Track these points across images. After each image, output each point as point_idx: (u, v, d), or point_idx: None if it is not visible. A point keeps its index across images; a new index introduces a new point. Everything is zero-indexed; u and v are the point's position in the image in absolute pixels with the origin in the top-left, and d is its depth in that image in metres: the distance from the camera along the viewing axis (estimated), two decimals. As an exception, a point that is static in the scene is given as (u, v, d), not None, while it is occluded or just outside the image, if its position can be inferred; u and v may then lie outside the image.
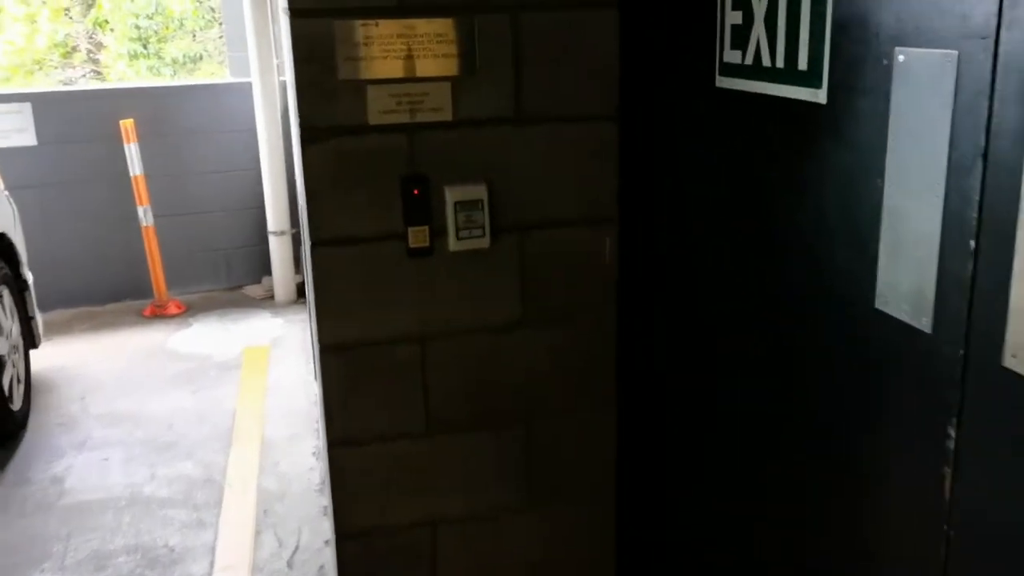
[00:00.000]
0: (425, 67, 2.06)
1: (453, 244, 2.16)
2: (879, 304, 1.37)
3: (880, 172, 1.34)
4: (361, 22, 2.01)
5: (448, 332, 2.24)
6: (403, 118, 2.08)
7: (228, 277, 6.33)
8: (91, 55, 15.37)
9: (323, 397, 2.24)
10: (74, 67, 15.30)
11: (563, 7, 2.12)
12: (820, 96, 1.47)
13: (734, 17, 1.72)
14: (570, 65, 2.15)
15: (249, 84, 5.89)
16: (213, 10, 13.58)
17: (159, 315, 5.84)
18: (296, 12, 2.01)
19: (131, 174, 5.76)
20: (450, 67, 2.08)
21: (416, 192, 2.13)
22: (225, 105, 6.08)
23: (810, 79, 1.49)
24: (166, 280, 5.96)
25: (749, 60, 1.68)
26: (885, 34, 1.31)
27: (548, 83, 2.15)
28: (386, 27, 2.03)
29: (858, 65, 1.38)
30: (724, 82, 1.78)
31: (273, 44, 5.74)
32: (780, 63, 1.58)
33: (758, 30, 1.64)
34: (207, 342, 5.38)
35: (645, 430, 2.34)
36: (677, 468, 2.20)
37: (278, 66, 5.77)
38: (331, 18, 2.01)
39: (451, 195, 2.13)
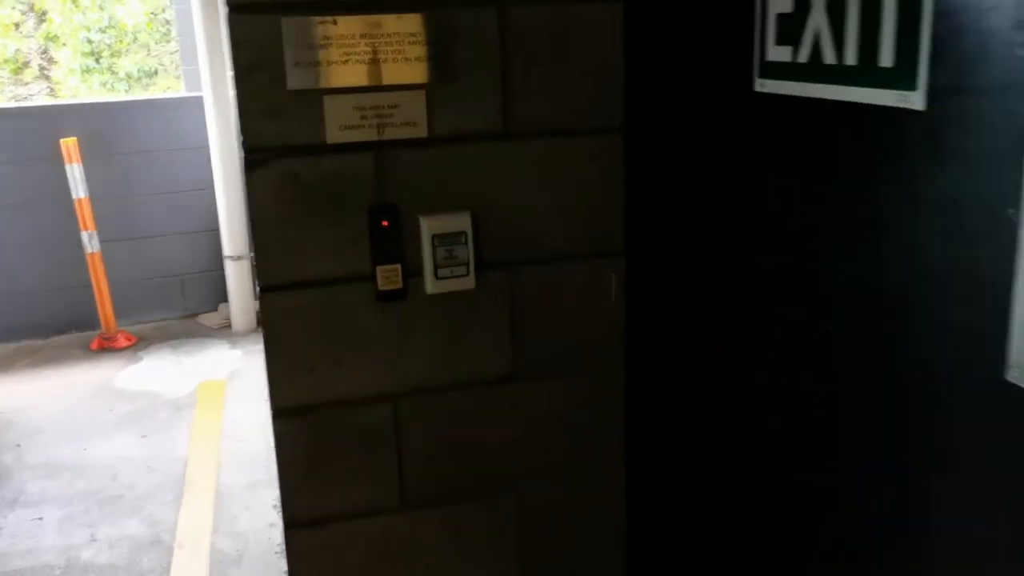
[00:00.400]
0: (395, 73, 1.71)
1: (431, 285, 1.80)
2: (1012, 376, 1.02)
3: (1013, 200, 1.00)
4: (316, 19, 1.65)
5: (426, 388, 1.88)
6: (368, 135, 1.72)
7: (182, 305, 5.91)
8: (44, 71, 14.87)
9: (279, 470, 1.86)
10: (26, 83, 14.79)
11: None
12: (915, 100, 1.13)
13: (781, 4, 1.38)
14: (568, 68, 1.80)
15: (201, 98, 5.49)
16: (168, 23, 13.13)
17: (107, 348, 5.42)
18: (236, 7, 1.64)
19: (74, 197, 5.34)
20: (425, 72, 1.72)
21: (386, 224, 1.77)
22: (176, 121, 5.68)
23: (898, 79, 1.15)
24: (115, 310, 5.54)
25: (804, 57, 1.33)
26: (1020, 15, 0.97)
27: (542, 90, 1.80)
28: (346, 25, 1.67)
29: (975, 58, 1.04)
30: (767, 85, 1.44)
31: (226, 54, 5.35)
32: (851, 59, 1.24)
33: (817, 19, 1.29)
34: (158, 378, 4.97)
35: (662, 504, 1.98)
36: (704, 556, 1.84)
37: (232, 78, 5.38)
38: (279, 14, 1.65)
39: (428, 227, 1.77)
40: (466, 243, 1.79)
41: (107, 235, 5.49)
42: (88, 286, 5.47)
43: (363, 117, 1.71)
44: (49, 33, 13.79)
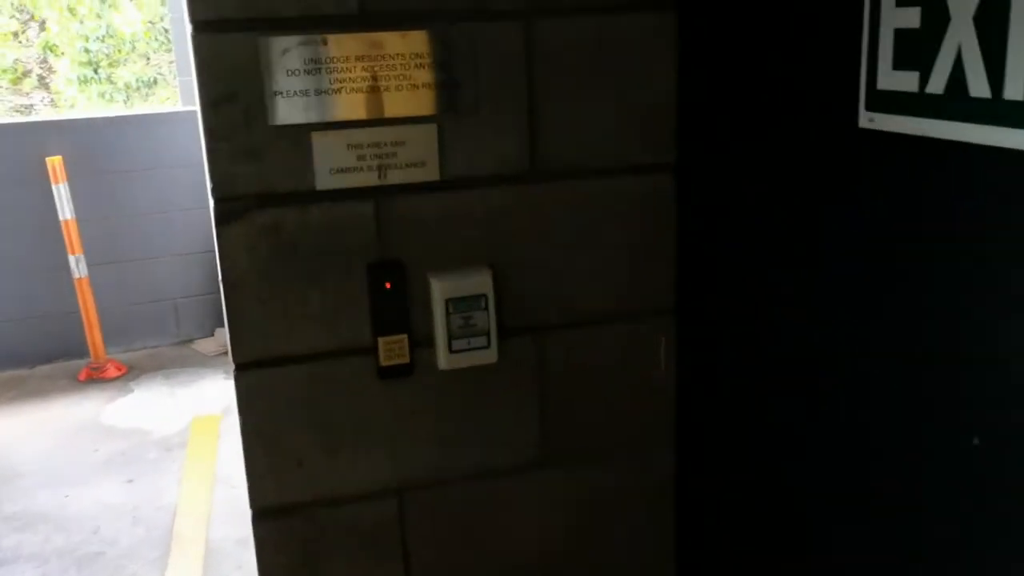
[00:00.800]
0: (398, 103, 1.39)
1: (444, 360, 1.47)
2: None
3: None
4: (301, 39, 1.34)
5: (437, 480, 1.56)
6: (367, 179, 1.41)
7: (176, 330, 5.60)
8: (43, 81, 14.60)
9: (260, 582, 1.54)
10: (27, 93, 14.52)
11: (597, 11, 1.45)
12: None
13: (902, 17, 1.05)
14: (608, 95, 1.48)
15: (196, 112, 5.17)
16: (167, 31, 12.83)
17: (96, 379, 5.10)
18: (203, 25, 1.33)
19: (60, 219, 5.03)
20: (435, 102, 1.41)
21: (389, 286, 1.45)
22: (168, 137, 5.36)
23: (1098, 123, 0.83)
24: (105, 337, 5.22)
25: (936, 87, 1.01)
26: None
27: (577, 122, 1.48)
28: (339, 45, 1.35)
29: None
30: (877, 120, 1.11)
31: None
32: (1016, 93, 0.91)
33: (960, 36, 0.97)
34: (149, 412, 4.65)
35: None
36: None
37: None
38: (257, 33, 1.33)
39: (440, 289, 1.45)
40: (486, 308, 1.47)
41: (96, 258, 5.18)
42: (76, 313, 5.16)
43: (360, 157, 1.40)
44: (48, 42, 13.51)
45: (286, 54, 1.34)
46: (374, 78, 1.37)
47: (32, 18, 13.95)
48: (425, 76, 1.40)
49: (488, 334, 1.48)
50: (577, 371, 1.58)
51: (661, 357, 1.61)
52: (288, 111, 1.35)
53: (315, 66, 1.35)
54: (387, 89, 1.38)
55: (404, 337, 1.47)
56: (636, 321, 1.59)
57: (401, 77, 1.38)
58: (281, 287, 1.42)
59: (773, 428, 1.41)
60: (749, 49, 1.37)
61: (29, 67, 14.27)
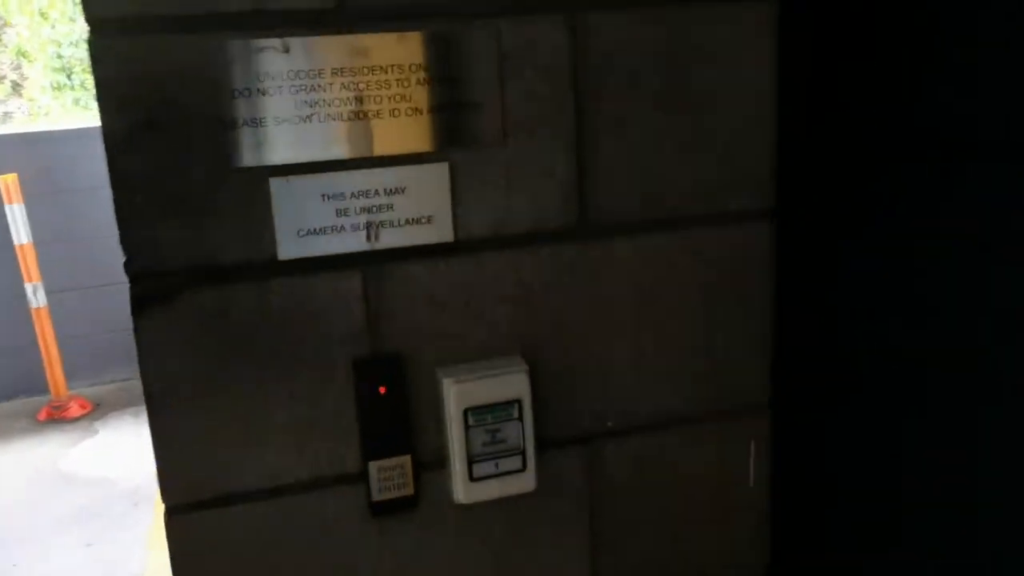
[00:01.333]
0: (394, 135, 0.97)
1: (463, 491, 1.06)
2: None
3: None
4: (254, 45, 0.92)
5: (455, 645, 1.14)
6: (352, 243, 0.99)
7: (147, 361, 5.14)
8: (17, 88, 14.15)
9: None
10: (3, 101, 14.05)
11: (667, 1, 1.04)
12: None
13: None
14: (684, 116, 1.07)
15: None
16: (143, 36, 12.38)
17: (57, 419, 4.65)
18: (107, 25, 0.91)
19: (15, 243, 4.58)
20: (445, 133, 0.99)
21: (384, 391, 1.03)
22: (135, 151, 4.91)
23: None
24: (69, 371, 4.79)
25: None
26: None
27: (642, 155, 1.06)
28: (305, 53, 0.94)
29: None
30: None
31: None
32: None
33: None
34: (115, 458, 4.21)
35: None
36: None
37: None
38: (190, 36, 0.91)
39: (457, 394, 1.03)
40: (520, 418, 1.05)
41: (56, 285, 4.75)
42: (35, 345, 4.71)
43: (341, 212, 0.98)
44: (20, 48, 13.06)
45: (233, 66, 0.92)
46: (359, 99, 0.95)
47: (7, 24, 13.49)
48: (431, 96, 0.98)
49: (523, 453, 1.06)
50: (639, 491, 1.16)
51: (751, 469, 1.20)
52: (236, 147, 0.93)
53: (274, 83, 0.93)
54: (378, 115, 0.96)
55: (406, 459, 1.05)
56: (718, 422, 1.17)
57: (397, 98, 0.97)
58: (231, 396, 1.00)
59: (906, 568, 1.00)
60: (891, 54, 0.95)
61: (3, 73, 13.82)
